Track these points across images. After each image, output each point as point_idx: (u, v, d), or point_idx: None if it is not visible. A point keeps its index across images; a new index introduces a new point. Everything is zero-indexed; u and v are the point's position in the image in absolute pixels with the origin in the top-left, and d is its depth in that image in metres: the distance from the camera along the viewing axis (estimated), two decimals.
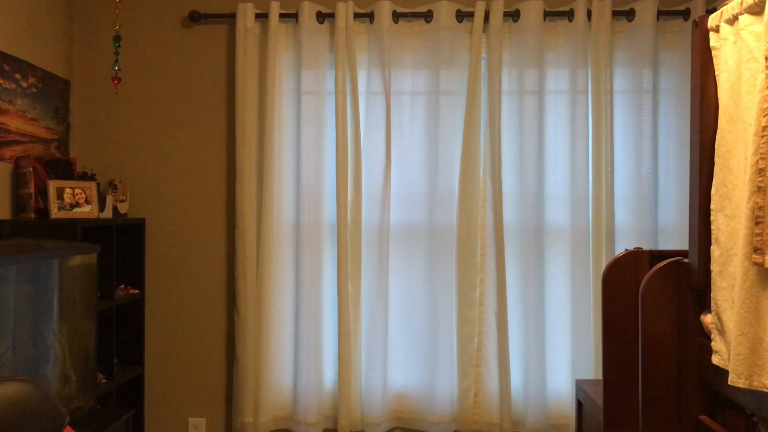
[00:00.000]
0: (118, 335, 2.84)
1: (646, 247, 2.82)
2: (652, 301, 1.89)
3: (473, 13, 2.91)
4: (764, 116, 1.43)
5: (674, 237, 2.91)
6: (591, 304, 2.92)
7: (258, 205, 2.99)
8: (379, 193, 2.96)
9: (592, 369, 2.92)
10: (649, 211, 2.92)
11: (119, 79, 2.49)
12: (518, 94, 2.96)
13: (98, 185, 2.87)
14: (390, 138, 2.94)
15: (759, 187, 1.45)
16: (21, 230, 2.52)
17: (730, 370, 1.55)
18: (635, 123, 2.94)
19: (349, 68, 2.95)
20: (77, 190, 2.73)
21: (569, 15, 2.91)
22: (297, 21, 2.96)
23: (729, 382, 1.54)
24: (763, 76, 1.45)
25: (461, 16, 2.94)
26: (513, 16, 2.93)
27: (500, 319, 2.91)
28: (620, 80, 2.97)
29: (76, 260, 2.27)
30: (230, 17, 3.00)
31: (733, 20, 1.64)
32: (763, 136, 1.44)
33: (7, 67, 2.58)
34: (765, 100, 1.44)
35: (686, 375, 1.86)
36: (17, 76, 2.65)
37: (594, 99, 2.92)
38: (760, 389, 1.48)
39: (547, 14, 2.92)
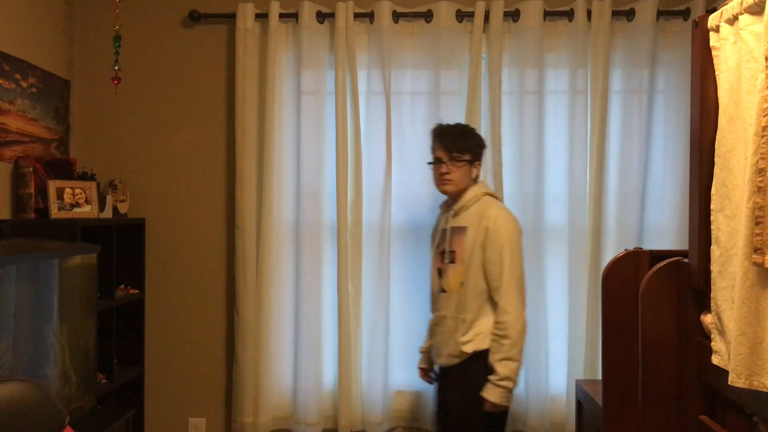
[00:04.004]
0: (118, 335, 2.84)
1: (646, 247, 2.82)
2: (652, 301, 1.89)
3: (473, 13, 2.91)
4: (764, 116, 1.43)
5: (674, 237, 2.91)
6: (585, 303, 2.91)
7: (258, 205, 2.99)
8: (380, 193, 2.96)
9: (585, 369, 2.91)
10: (648, 211, 2.92)
11: (119, 79, 2.49)
12: (518, 94, 2.96)
13: (98, 185, 2.87)
14: (390, 138, 2.94)
15: (759, 187, 1.45)
16: (21, 230, 2.52)
17: (730, 370, 1.55)
18: (635, 123, 2.93)
19: (349, 68, 2.95)
20: (77, 190, 2.73)
21: (569, 15, 2.91)
22: (297, 21, 2.96)
23: (729, 382, 1.54)
24: (763, 76, 1.45)
25: (461, 16, 2.94)
26: (513, 16, 2.92)
27: None
28: (620, 80, 2.97)
29: (76, 260, 2.27)
30: (230, 17, 3.00)
31: (733, 20, 1.64)
32: (763, 136, 1.44)
33: (7, 67, 2.58)
34: (765, 100, 1.44)
35: (686, 375, 1.86)
36: (17, 76, 2.65)
37: (594, 99, 2.92)
38: (760, 389, 1.48)
39: (547, 14, 2.92)
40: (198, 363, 3.12)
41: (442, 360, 2.39)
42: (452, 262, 2.36)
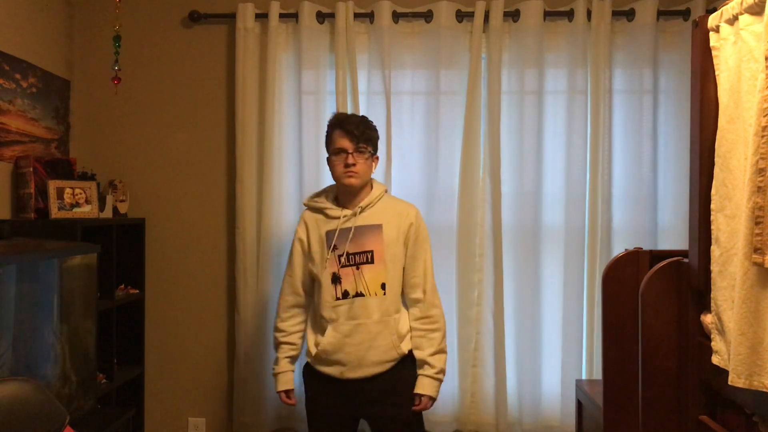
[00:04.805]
0: (118, 335, 2.84)
1: (645, 247, 2.82)
2: (652, 301, 1.89)
3: (473, 13, 2.91)
4: (764, 116, 1.43)
5: (673, 237, 2.91)
6: (585, 304, 2.92)
7: (258, 204, 2.99)
8: None
9: (584, 369, 2.92)
10: (647, 211, 2.92)
11: (119, 79, 2.49)
12: (518, 94, 2.96)
13: (98, 185, 2.87)
14: (390, 138, 2.94)
15: (759, 187, 1.45)
16: (21, 230, 2.52)
17: (730, 370, 1.55)
18: (635, 123, 2.94)
19: (350, 68, 2.95)
20: (77, 190, 2.73)
21: (569, 15, 2.91)
22: (297, 21, 2.96)
23: (729, 382, 1.54)
24: (763, 76, 1.45)
25: (461, 16, 2.94)
26: (513, 16, 2.93)
27: (497, 320, 2.91)
28: (620, 80, 2.97)
29: (76, 260, 2.27)
30: (230, 17, 3.00)
31: (733, 20, 1.64)
32: (763, 136, 1.44)
33: (7, 67, 2.58)
34: (765, 100, 1.44)
35: (686, 375, 1.86)
36: (17, 76, 2.65)
37: (593, 99, 2.92)
38: (760, 389, 1.48)
39: (547, 14, 2.92)
40: (198, 363, 3.12)
41: (365, 371, 2.17)
42: (369, 262, 2.18)
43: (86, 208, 2.75)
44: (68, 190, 2.70)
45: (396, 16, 2.95)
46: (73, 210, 2.71)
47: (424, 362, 2.21)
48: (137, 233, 3.05)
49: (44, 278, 2.11)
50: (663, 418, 1.89)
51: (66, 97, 3.04)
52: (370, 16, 2.96)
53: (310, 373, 2.27)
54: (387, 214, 2.23)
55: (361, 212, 2.22)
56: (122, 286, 2.99)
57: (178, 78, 3.12)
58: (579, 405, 2.56)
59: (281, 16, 2.96)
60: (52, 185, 2.64)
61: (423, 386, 2.19)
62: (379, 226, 2.20)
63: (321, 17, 2.97)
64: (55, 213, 2.63)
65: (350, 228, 2.20)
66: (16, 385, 1.37)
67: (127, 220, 3.01)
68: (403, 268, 2.24)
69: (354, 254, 2.19)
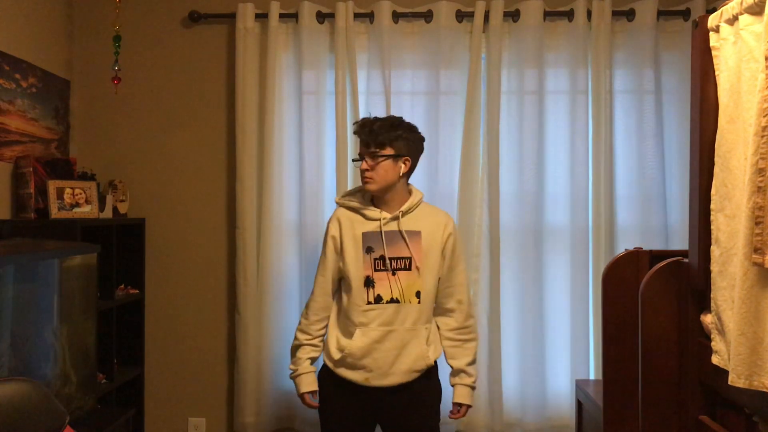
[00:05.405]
0: (118, 335, 2.84)
1: (647, 247, 2.82)
2: (652, 301, 1.89)
3: (473, 13, 2.91)
4: (764, 116, 1.43)
5: (674, 237, 2.91)
6: (590, 304, 2.92)
7: (258, 204, 2.99)
8: None
9: (591, 369, 2.92)
10: (649, 211, 2.91)
11: (119, 79, 2.49)
12: (518, 94, 2.96)
13: (98, 185, 2.87)
14: None
15: (759, 187, 1.45)
16: (21, 230, 2.52)
17: (730, 370, 1.55)
18: (635, 123, 2.94)
19: (349, 68, 2.95)
20: (77, 190, 2.73)
21: (569, 15, 2.91)
22: (297, 21, 2.96)
23: (729, 382, 1.54)
24: (763, 76, 1.45)
25: (461, 16, 2.94)
26: (513, 15, 2.93)
27: (492, 320, 2.91)
28: (620, 80, 2.97)
29: (76, 260, 2.27)
30: (230, 17, 3.00)
31: (733, 20, 1.64)
32: (763, 136, 1.44)
33: (7, 67, 2.58)
34: (765, 100, 1.44)
35: (686, 375, 1.86)
36: (17, 76, 2.65)
37: (594, 99, 2.92)
38: (760, 389, 1.48)
39: (547, 14, 2.92)
40: (198, 363, 3.12)
41: (391, 379, 2.13)
42: (407, 269, 2.14)
43: (86, 208, 2.75)
44: (68, 190, 2.70)
45: (396, 16, 2.95)
46: (73, 210, 2.71)
47: (462, 371, 2.23)
48: (137, 233, 3.05)
49: (44, 278, 2.11)
50: (663, 418, 1.89)
51: (66, 97, 3.04)
52: (370, 16, 2.96)
53: (327, 376, 2.21)
54: (426, 221, 2.20)
55: (402, 216, 2.17)
56: (122, 286, 2.99)
57: (178, 78, 3.12)
58: (579, 405, 2.56)
59: (281, 16, 2.96)
60: (52, 185, 2.64)
61: (463, 396, 2.23)
62: (418, 233, 2.16)
63: (321, 17, 2.97)
64: (55, 213, 2.63)
65: (390, 232, 2.15)
66: (16, 385, 1.37)
67: (127, 220, 3.01)
68: (439, 279, 2.21)
69: (392, 259, 2.14)
